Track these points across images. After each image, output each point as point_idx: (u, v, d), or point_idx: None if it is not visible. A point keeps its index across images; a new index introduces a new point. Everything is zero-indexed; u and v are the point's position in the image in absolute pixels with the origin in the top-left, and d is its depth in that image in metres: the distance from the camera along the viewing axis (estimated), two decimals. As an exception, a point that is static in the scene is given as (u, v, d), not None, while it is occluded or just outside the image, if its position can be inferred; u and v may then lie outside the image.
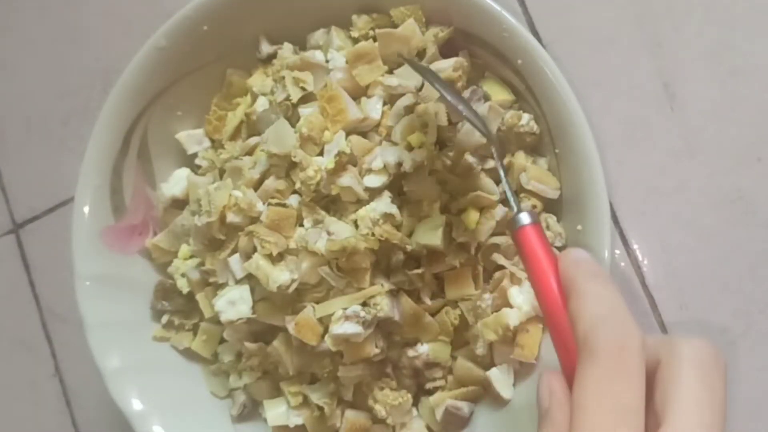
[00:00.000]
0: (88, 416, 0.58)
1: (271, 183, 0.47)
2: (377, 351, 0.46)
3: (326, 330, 0.45)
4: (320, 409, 0.48)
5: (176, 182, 0.52)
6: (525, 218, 0.37)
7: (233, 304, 0.47)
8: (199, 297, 0.50)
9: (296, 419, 0.48)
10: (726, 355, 0.49)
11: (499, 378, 0.46)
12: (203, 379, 0.52)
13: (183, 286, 0.51)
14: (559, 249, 0.46)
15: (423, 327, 0.46)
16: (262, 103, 0.49)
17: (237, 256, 0.47)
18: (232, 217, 0.46)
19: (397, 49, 0.47)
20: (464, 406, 0.47)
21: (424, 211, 0.45)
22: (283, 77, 0.48)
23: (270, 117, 0.47)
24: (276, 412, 0.49)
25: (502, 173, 0.41)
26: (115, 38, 0.60)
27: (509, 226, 0.38)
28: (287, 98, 0.48)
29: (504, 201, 0.48)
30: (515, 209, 0.39)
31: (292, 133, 0.46)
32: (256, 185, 0.47)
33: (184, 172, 0.52)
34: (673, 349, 0.30)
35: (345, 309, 0.44)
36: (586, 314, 0.31)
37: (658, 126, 0.52)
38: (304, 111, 0.47)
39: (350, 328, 0.44)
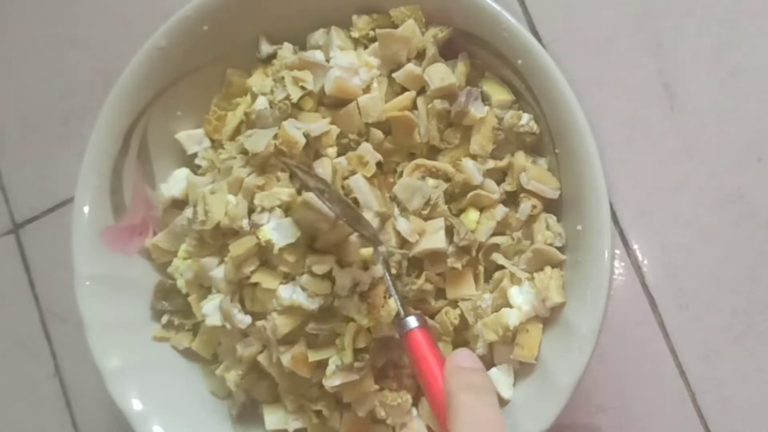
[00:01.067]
0: (88, 416, 0.58)
1: (251, 180, 0.47)
2: (377, 387, 0.46)
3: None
4: (318, 413, 0.48)
5: (175, 182, 0.52)
6: (412, 322, 0.39)
7: (219, 309, 0.48)
8: (192, 299, 0.50)
9: (296, 423, 0.48)
10: (726, 355, 0.50)
11: (499, 378, 0.46)
12: (203, 379, 0.52)
13: (183, 286, 0.51)
14: (560, 249, 0.46)
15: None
16: (261, 103, 0.49)
17: (221, 267, 0.47)
18: (225, 221, 0.46)
19: (397, 49, 0.47)
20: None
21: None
22: (283, 77, 0.48)
23: (268, 115, 0.47)
24: (275, 417, 0.49)
25: (389, 282, 0.42)
26: (115, 38, 0.60)
27: (397, 330, 0.40)
28: (287, 98, 0.48)
29: (504, 201, 0.48)
30: (402, 314, 0.40)
31: (270, 141, 0.46)
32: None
33: (183, 173, 0.52)
34: None
35: (338, 365, 0.44)
36: (453, 427, 0.33)
37: (658, 126, 0.52)
38: (290, 124, 0.47)
39: (346, 377, 0.45)
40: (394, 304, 0.43)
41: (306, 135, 0.46)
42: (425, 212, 0.45)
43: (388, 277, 0.43)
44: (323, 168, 0.47)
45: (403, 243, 0.46)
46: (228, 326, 0.47)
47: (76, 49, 0.61)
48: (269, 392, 0.50)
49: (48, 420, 0.59)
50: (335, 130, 0.47)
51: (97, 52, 0.61)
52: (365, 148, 0.46)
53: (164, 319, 0.51)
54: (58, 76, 0.61)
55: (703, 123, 0.51)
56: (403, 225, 0.45)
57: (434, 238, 0.45)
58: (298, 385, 0.48)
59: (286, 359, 0.46)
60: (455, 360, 0.37)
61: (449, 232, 0.46)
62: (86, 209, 0.49)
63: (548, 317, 0.46)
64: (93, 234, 0.49)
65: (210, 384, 0.52)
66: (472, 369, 0.37)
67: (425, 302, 0.47)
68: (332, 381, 0.45)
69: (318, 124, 0.47)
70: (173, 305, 0.51)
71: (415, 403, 0.48)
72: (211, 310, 0.48)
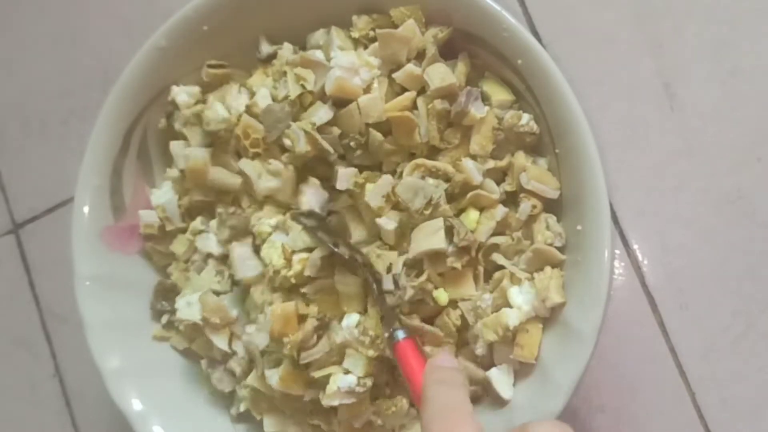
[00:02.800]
0: (88, 416, 0.58)
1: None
2: (373, 409, 0.47)
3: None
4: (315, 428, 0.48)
5: (167, 189, 0.52)
6: (400, 334, 0.44)
7: (189, 305, 0.48)
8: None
9: (294, 427, 0.48)
10: (726, 355, 0.50)
11: (499, 378, 0.46)
12: (203, 379, 0.52)
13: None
14: (560, 249, 0.46)
15: (426, 336, 0.47)
16: (263, 95, 0.49)
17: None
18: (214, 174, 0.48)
19: (397, 49, 0.47)
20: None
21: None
22: (285, 72, 0.48)
23: (277, 110, 0.47)
24: (274, 419, 0.49)
25: (375, 291, 0.45)
26: (115, 38, 0.60)
27: (388, 341, 0.44)
28: (286, 96, 0.48)
29: (504, 201, 0.48)
30: (392, 327, 0.44)
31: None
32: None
33: (175, 173, 0.52)
34: None
35: (339, 386, 0.45)
36: (423, 416, 0.37)
37: (658, 126, 0.52)
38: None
39: (344, 398, 0.45)
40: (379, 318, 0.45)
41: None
42: (427, 212, 0.45)
43: (374, 287, 0.45)
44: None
45: (400, 242, 0.46)
46: (213, 319, 0.47)
47: (76, 49, 0.61)
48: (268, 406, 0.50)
49: (48, 420, 0.59)
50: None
51: (97, 52, 0.61)
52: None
53: (164, 319, 0.51)
54: (58, 76, 0.61)
55: (703, 123, 0.51)
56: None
57: (434, 239, 0.45)
58: (293, 401, 0.48)
59: (273, 380, 0.46)
60: (433, 360, 0.41)
61: (449, 232, 0.46)
62: (86, 209, 0.49)
63: (548, 317, 0.46)
64: (93, 234, 0.49)
65: (210, 384, 0.52)
66: (445, 367, 0.40)
67: (424, 303, 0.47)
68: (331, 400, 0.45)
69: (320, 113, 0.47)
70: (173, 305, 0.51)
71: (414, 403, 0.49)
72: (182, 305, 0.49)
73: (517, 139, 0.48)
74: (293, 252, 0.47)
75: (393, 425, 0.48)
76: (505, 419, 0.46)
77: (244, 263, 0.48)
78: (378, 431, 0.48)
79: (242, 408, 0.50)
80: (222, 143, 0.50)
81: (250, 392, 0.49)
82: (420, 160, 0.47)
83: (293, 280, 0.46)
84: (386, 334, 0.44)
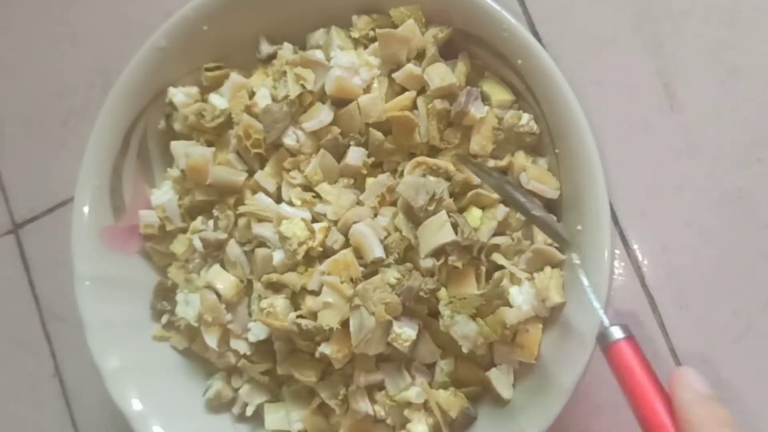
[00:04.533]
0: (88, 416, 0.58)
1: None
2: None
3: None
4: (318, 409, 0.48)
5: (167, 189, 0.52)
6: (617, 333, 0.35)
7: (187, 303, 0.49)
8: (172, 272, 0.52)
9: (297, 425, 0.48)
10: (726, 355, 0.50)
11: (499, 378, 0.46)
12: (203, 379, 0.52)
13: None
14: (559, 249, 0.46)
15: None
16: (263, 94, 0.49)
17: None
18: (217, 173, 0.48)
19: (397, 49, 0.47)
20: (471, 406, 0.47)
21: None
22: (285, 72, 0.48)
23: (275, 110, 0.47)
24: (275, 416, 0.49)
25: (587, 286, 0.39)
26: (115, 38, 0.60)
27: (599, 341, 0.35)
28: (286, 96, 0.48)
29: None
30: (605, 322, 0.35)
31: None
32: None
33: (176, 173, 0.52)
34: None
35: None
36: None
37: (658, 126, 0.52)
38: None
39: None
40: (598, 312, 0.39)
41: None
42: (431, 208, 0.45)
43: (587, 284, 0.41)
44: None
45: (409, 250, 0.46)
46: (206, 317, 0.48)
47: (76, 49, 0.61)
48: (270, 390, 0.50)
49: (48, 420, 0.59)
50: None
51: (97, 52, 0.61)
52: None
53: (164, 319, 0.51)
54: (58, 76, 0.61)
55: (703, 123, 0.51)
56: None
57: (442, 233, 0.44)
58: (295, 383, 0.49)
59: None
60: (684, 377, 0.32)
61: (453, 228, 0.46)
62: (86, 209, 0.49)
63: (548, 317, 0.46)
64: (93, 234, 0.49)
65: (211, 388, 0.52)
66: (703, 384, 0.32)
67: (428, 301, 0.46)
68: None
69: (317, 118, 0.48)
70: (173, 305, 0.51)
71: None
72: (181, 299, 0.49)
73: (517, 139, 0.48)
74: (313, 221, 0.47)
75: (395, 422, 0.47)
76: (505, 419, 0.46)
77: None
78: (380, 427, 0.48)
79: (248, 411, 0.50)
80: (223, 142, 0.50)
81: (252, 380, 0.49)
82: (421, 158, 0.47)
83: (320, 248, 0.46)
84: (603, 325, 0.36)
